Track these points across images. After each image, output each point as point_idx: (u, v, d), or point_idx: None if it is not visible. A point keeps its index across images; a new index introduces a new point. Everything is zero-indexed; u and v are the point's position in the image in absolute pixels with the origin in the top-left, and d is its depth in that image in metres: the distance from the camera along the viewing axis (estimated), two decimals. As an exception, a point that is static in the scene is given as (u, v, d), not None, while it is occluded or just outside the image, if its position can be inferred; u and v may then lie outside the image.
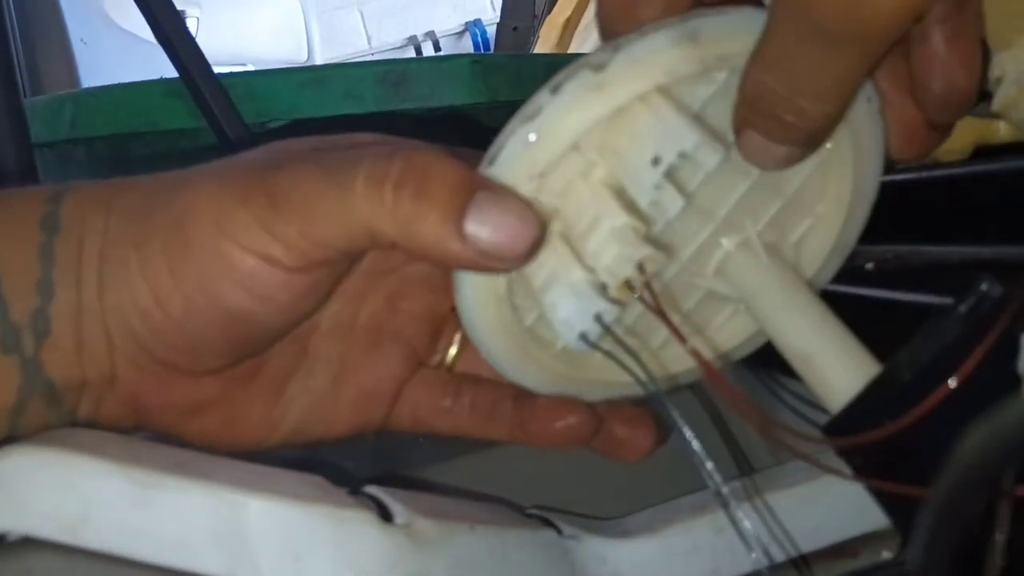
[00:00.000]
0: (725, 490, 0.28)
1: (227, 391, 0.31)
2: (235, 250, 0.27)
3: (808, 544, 0.35)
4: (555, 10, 1.83)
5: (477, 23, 4.12)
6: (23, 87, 1.51)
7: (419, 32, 4.13)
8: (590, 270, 0.27)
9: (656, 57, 0.26)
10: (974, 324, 0.24)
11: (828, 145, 0.29)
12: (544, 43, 1.82)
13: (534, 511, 0.36)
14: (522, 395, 0.33)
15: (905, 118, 0.29)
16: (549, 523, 0.35)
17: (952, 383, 0.24)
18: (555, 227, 0.28)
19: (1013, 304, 0.24)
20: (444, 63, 0.88)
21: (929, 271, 0.37)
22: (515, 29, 2.18)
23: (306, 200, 0.27)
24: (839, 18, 0.24)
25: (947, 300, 0.25)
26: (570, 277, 0.27)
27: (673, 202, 0.27)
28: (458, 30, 4.20)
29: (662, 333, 0.32)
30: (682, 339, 0.28)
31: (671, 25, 0.26)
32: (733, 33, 0.26)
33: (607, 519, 0.36)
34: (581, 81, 0.26)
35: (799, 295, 0.29)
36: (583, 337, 0.28)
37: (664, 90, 0.26)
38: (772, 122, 0.26)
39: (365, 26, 4.16)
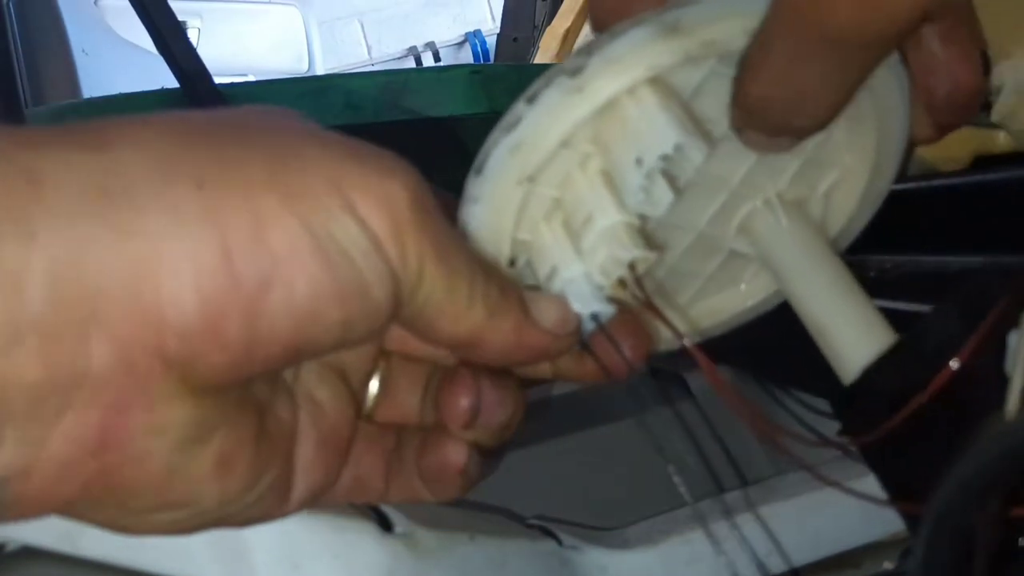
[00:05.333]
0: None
1: None
2: None
3: (810, 555, 0.35)
4: (555, 21, 1.84)
5: (477, 34, 4.14)
6: (24, 97, 1.51)
7: (419, 43, 4.15)
8: (586, 265, 0.27)
9: (635, 53, 0.26)
10: (972, 312, 0.24)
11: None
12: (544, 54, 1.82)
13: (535, 521, 0.36)
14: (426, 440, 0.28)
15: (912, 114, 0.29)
16: (549, 533, 0.35)
17: (954, 364, 0.23)
18: (558, 218, 0.28)
19: (1011, 288, 0.23)
20: (444, 73, 0.89)
21: (929, 280, 0.37)
22: (515, 40, 2.18)
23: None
24: (853, 26, 0.24)
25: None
26: (569, 272, 0.27)
27: (663, 196, 0.27)
28: (458, 41, 4.22)
29: (690, 290, 0.33)
30: (679, 334, 0.28)
31: (648, 20, 0.26)
32: (715, 18, 0.26)
33: (607, 529, 0.36)
34: (558, 87, 0.26)
35: (818, 258, 0.29)
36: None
37: (653, 81, 0.26)
38: (778, 127, 0.27)
39: (365, 37, 4.18)
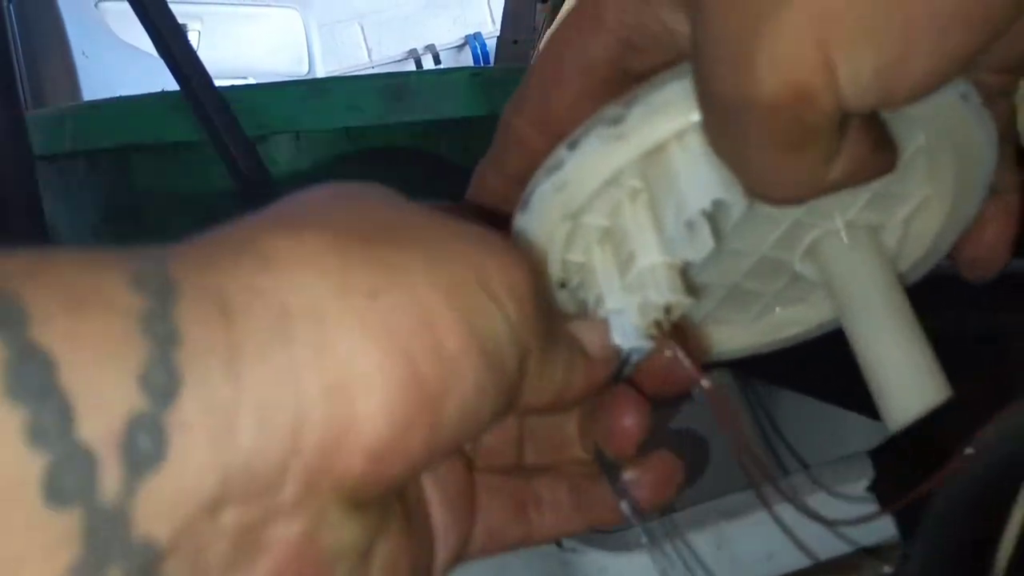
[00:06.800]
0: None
1: None
2: None
3: (809, 557, 0.35)
4: (555, 24, 1.84)
5: (477, 36, 4.15)
6: (25, 100, 1.52)
7: (419, 45, 4.16)
8: (628, 301, 0.27)
9: (677, 104, 0.25)
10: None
11: (918, 143, 0.28)
12: (544, 56, 1.82)
13: (534, 524, 0.36)
14: (580, 478, 0.29)
15: None
16: (549, 536, 0.35)
17: (969, 451, 0.23)
18: (609, 244, 0.28)
19: None
20: (444, 76, 0.89)
21: (926, 283, 0.37)
22: (515, 43, 2.18)
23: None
24: (736, 93, 0.22)
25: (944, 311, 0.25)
26: (614, 303, 0.27)
27: (704, 244, 0.26)
28: (458, 43, 4.23)
29: (756, 306, 0.32)
30: (700, 385, 0.27)
31: (688, 72, 0.25)
32: None
33: (607, 531, 0.36)
34: (599, 134, 0.25)
35: (881, 293, 0.28)
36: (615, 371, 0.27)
37: (700, 128, 0.25)
38: (766, 198, 0.25)
39: (366, 39, 4.19)
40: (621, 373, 0.27)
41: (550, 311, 0.24)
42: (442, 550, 0.25)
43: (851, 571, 0.36)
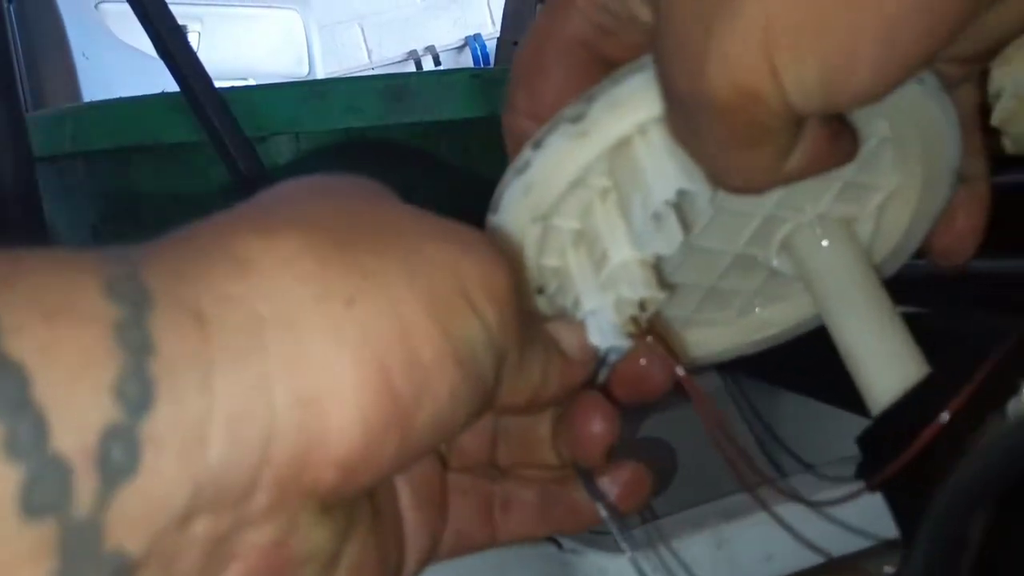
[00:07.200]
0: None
1: None
2: None
3: (810, 558, 0.35)
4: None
5: (477, 38, 4.15)
6: (25, 100, 1.52)
7: (419, 47, 4.16)
8: (604, 300, 0.27)
9: (636, 97, 0.25)
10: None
11: (882, 133, 0.28)
12: (544, 58, 1.82)
13: (534, 524, 0.36)
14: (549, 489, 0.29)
15: None
16: (549, 536, 0.35)
17: (944, 417, 0.23)
18: (583, 246, 0.28)
19: (1008, 344, 0.23)
20: (444, 77, 0.89)
21: (921, 283, 0.37)
22: (515, 44, 2.18)
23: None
24: (690, 92, 0.22)
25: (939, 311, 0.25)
26: (591, 304, 0.27)
27: (674, 235, 0.26)
28: (458, 45, 4.23)
29: (736, 303, 0.32)
30: (682, 376, 0.27)
31: (648, 65, 0.25)
32: None
33: (607, 533, 0.36)
34: (562, 133, 0.26)
35: (855, 282, 0.29)
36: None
37: (661, 121, 0.26)
38: (726, 187, 0.25)
39: (365, 40, 4.19)
40: (598, 375, 0.27)
41: (528, 312, 0.24)
42: (413, 551, 0.25)
43: (851, 571, 0.36)
